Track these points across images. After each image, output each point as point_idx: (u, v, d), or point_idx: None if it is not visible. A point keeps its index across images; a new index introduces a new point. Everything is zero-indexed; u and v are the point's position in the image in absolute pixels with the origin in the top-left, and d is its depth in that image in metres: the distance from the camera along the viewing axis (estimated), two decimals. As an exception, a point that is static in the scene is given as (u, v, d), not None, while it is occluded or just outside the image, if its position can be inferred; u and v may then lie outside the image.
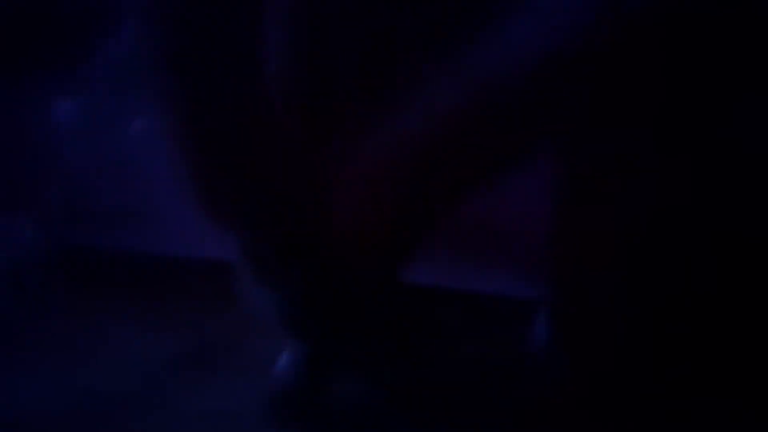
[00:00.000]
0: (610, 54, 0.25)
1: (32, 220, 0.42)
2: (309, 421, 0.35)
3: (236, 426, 0.36)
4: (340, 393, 0.35)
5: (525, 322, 0.38)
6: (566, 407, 0.36)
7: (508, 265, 0.40)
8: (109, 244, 0.44)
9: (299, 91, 0.30)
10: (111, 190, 0.43)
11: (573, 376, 0.36)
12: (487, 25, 0.25)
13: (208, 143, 0.29)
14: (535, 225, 0.34)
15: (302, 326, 0.33)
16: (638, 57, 0.25)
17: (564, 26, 0.25)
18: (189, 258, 0.42)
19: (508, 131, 0.26)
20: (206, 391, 0.39)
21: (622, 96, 0.26)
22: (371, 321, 0.33)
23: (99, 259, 0.43)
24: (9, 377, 0.39)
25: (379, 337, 0.34)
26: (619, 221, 0.31)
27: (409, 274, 0.33)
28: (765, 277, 0.32)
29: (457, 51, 0.26)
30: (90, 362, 0.40)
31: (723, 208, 0.30)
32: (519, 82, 0.25)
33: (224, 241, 0.33)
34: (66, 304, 0.42)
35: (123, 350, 0.41)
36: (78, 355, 0.41)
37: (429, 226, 0.30)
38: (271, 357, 0.35)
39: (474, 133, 0.26)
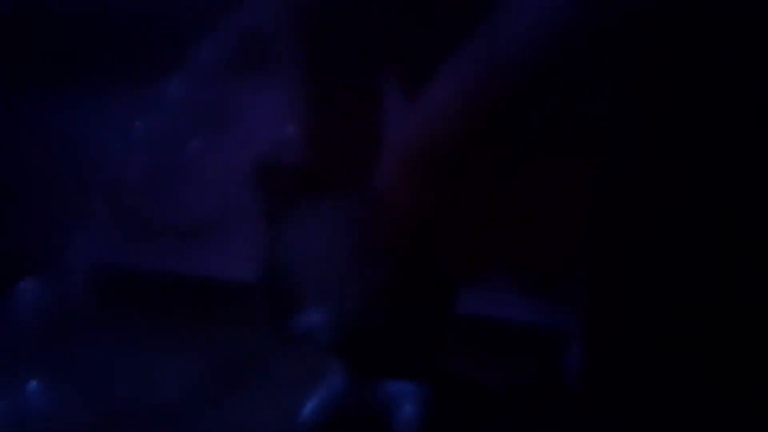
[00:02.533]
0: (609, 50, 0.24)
1: (84, 236, 0.43)
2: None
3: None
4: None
5: (558, 351, 0.38)
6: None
7: (541, 292, 0.39)
8: (152, 265, 0.46)
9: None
10: (159, 210, 0.45)
11: (606, 407, 0.35)
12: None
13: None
14: (567, 249, 0.33)
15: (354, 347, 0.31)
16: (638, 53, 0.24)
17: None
18: (226, 280, 0.43)
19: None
20: (238, 407, 0.39)
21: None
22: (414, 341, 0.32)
23: (140, 279, 0.45)
24: (46, 391, 0.40)
25: (414, 360, 0.33)
26: (653, 244, 0.30)
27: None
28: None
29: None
30: (126, 378, 0.41)
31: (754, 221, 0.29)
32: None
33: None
34: (107, 321, 0.43)
35: (159, 367, 0.42)
36: (114, 371, 0.42)
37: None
38: (301, 377, 0.35)
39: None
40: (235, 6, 0.38)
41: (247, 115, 0.43)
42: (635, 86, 0.24)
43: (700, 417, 0.34)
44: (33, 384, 0.40)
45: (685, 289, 0.31)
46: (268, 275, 0.30)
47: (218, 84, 0.41)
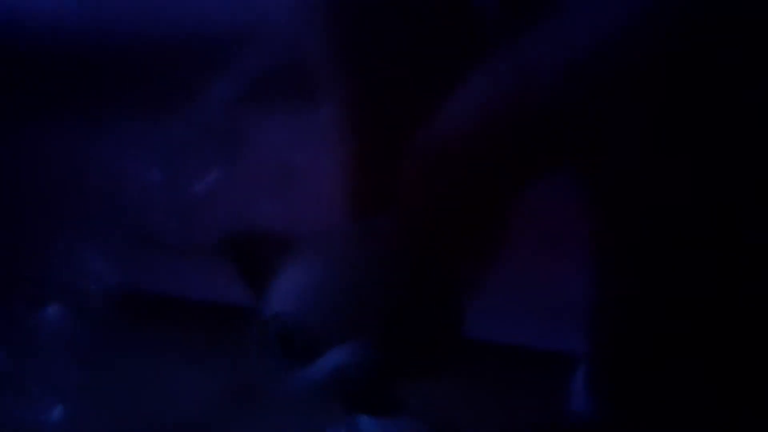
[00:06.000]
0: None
1: (104, 262, 0.45)
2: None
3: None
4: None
5: (561, 377, 0.37)
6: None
7: (545, 314, 0.39)
8: (165, 290, 0.48)
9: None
10: (178, 236, 0.46)
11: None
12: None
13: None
14: (572, 269, 0.33)
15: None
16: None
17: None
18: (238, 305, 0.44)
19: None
20: (252, 423, 0.41)
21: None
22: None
23: (158, 303, 0.47)
24: (76, 408, 0.42)
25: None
26: (660, 268, 0.30)
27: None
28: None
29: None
30: (148, 396, 0.44)
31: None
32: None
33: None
34: (126, 344, 0.45)
35: (177, 386, 0.45)
36: (138, 389, 0.45)
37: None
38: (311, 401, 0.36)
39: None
40: (250, 41, 0.39)
41: (258, 144, 0.44)
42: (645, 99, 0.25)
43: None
44: (59, 408, 0.42)
45: (701, 311, 0.30)
46: (272, 325, 0.29)
47: (233, 115, 0.43)
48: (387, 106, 0.28)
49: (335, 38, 0.28)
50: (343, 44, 0.28)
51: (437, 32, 0.28)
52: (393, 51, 0.28)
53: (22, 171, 0.52)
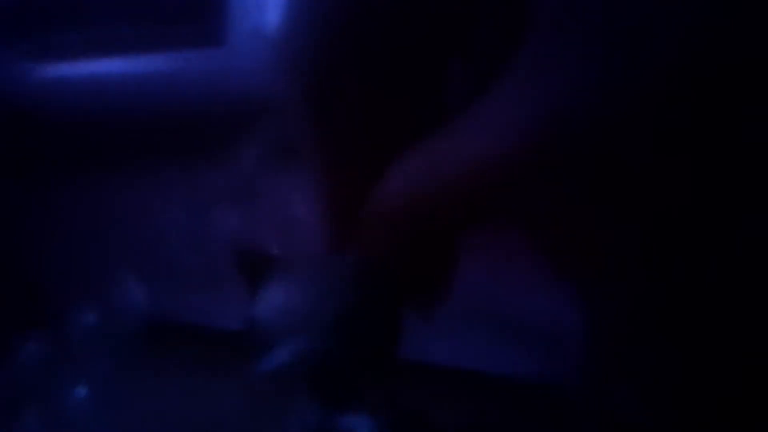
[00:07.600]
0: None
1: (131, 286, 0.51)
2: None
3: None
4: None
5: (557, 411, 0.38)
6: None
7: (538, 346, 0.39)
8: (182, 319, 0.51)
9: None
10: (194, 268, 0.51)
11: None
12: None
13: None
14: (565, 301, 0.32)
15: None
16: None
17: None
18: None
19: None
20: None
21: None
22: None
23: (174, 331, 0.50)
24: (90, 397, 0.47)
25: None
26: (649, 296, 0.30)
27: (424, 352, 0.35)
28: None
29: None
30: (163, 416, 0.47)
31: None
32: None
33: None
34: (143, 369, 0.49)
35: (193, 405, 0.48)
36: (154, 409, 0.48)
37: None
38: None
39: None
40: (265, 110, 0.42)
41: (267, 195, 0.47)
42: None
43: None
44: (80, 390, 0.47)
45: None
46: (249, 326, 0.34)
47: (248, 172, 0.46)
48: (354, 167, 0.31)
49: (316, 120, 0.31)
50: (320, 125, 0.31)
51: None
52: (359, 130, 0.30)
53: (77, 216, 0.58)
